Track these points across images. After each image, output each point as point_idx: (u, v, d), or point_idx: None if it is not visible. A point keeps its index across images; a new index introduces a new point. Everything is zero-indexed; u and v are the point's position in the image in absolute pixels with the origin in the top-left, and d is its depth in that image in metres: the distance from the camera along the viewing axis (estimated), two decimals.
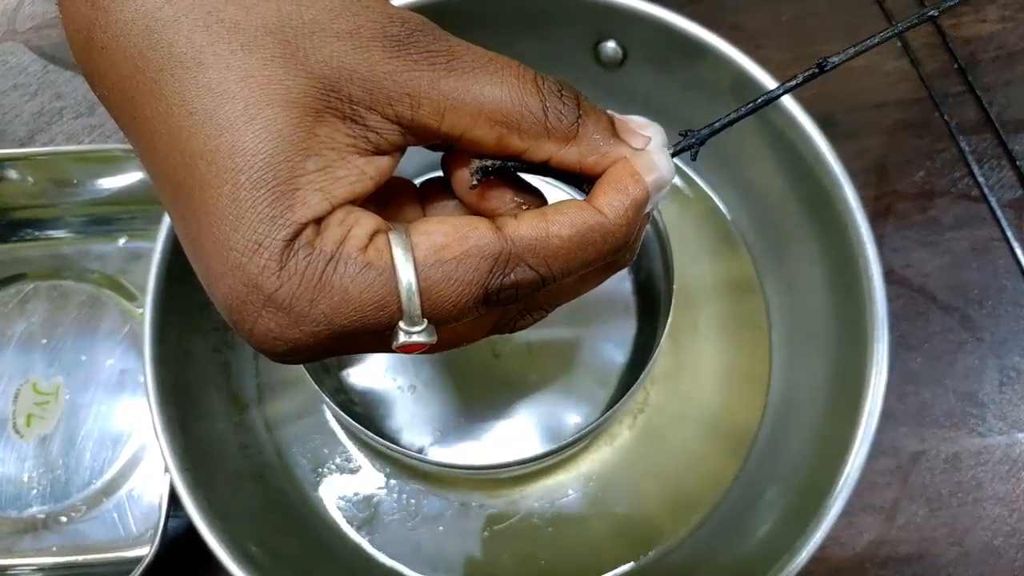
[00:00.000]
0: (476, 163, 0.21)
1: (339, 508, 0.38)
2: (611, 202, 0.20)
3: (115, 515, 0.40)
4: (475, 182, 0.21)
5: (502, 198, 0.21)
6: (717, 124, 0.23)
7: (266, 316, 0.18)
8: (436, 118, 0.19)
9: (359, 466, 0.39)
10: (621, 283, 0.41)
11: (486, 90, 0.19)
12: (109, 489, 0.40)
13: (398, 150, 0.20)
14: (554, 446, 0.34)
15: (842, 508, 0.30)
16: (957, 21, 0.47)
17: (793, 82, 0.23)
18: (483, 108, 0.19)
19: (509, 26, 0.39)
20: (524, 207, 0.21)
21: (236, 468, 0.36)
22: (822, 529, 0.30)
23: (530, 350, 0.40)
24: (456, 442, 0.39)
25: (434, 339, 0.19)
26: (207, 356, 0.38)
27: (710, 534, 0.37)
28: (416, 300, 0.18)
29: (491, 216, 0.21)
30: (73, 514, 0.40)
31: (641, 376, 0.33)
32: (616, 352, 0.40)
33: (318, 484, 0.38)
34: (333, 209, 0.18)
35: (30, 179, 0.44)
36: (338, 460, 0.39)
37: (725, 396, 0.39)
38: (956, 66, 0.47)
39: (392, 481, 0.39)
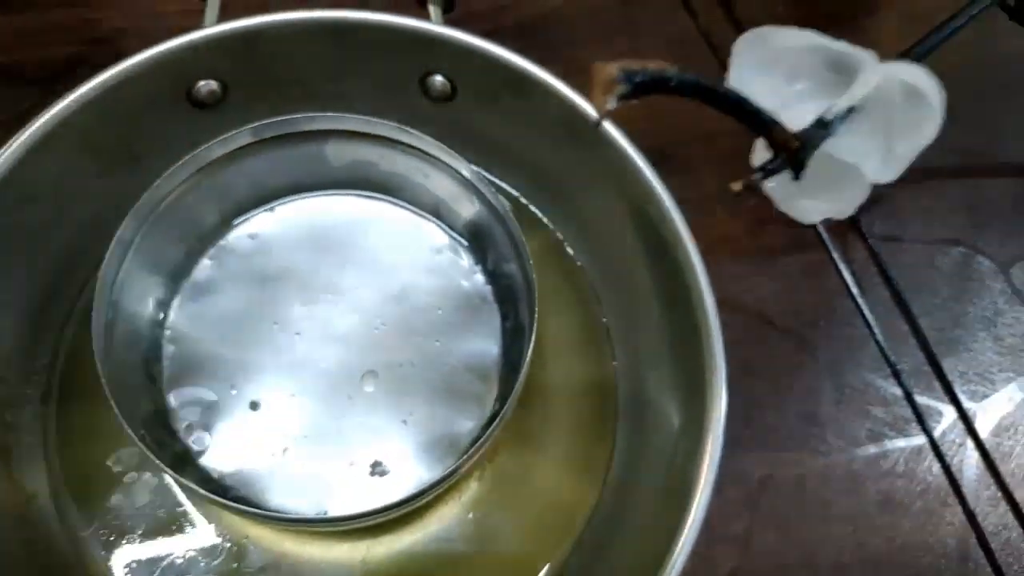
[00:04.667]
0: (612, 66, 0.15)
1: None
2: None
3: None
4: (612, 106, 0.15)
5: None
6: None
7: None
8: None
9: (199, 551, 0.35)
10: (471, 275, 0.40)
11: None
12: None
13: None
14: (451, 465, 0.32)
15: (690, 550, 0.29)
16: None
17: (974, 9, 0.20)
18: None
19: (332, 62, 0.37)
20: None
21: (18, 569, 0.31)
22: (674, 571, 0.29)
23: (401, 372, 0.38)
24: (349, 489, 0.36)
25: None
26: None
27: None
28: None
29: None
30: None
31: (505, 408, 0.32)
32: (489, 344, 0.39)
33: None
34: None
35: None
36: (166, 552, 0.35)
37: (574, 441, 0.38)
38: None
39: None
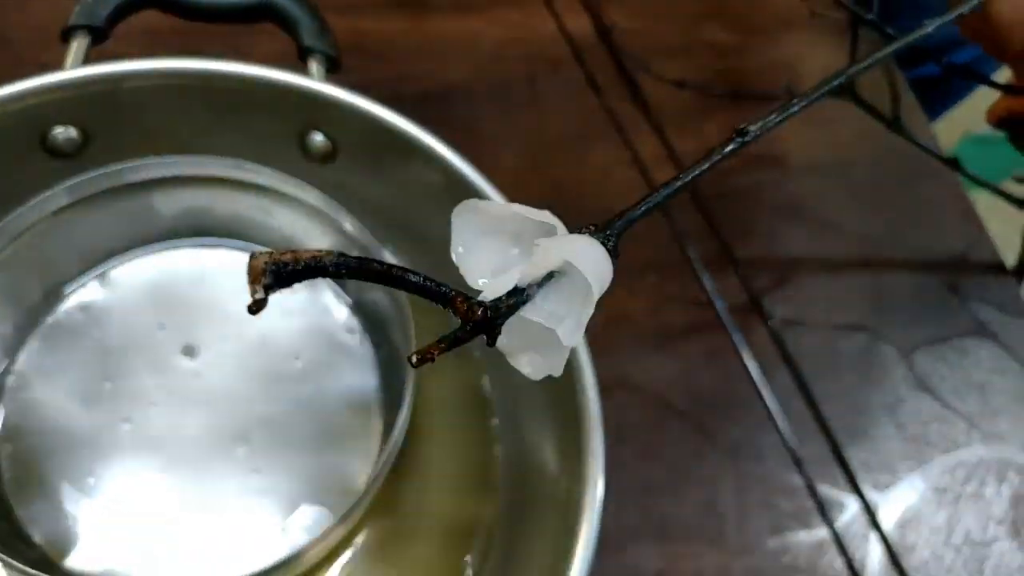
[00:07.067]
0: (263, 258, 0.14)
1: None
2: None
3: None
4: (261, 295, 0.15)
5: None
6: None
7: None
8: None
9: None
10: (335, 309, 0.37)
11: None
12: None
13: None
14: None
15: None
16: (683, 138, 0.49)
17: (716, 157, 0.19)
18: None
19: (204, 111, 0.35)
20: None
21: None
22: None
23: (275, 425, 0.35)
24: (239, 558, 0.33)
25: None
26: None
27: None
28: None
29: None
30: None
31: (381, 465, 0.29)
32: (366, 378, 0.36)
33: None
34: None
35: None
36: None
37: (452, 517, 0.35)
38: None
39: None
